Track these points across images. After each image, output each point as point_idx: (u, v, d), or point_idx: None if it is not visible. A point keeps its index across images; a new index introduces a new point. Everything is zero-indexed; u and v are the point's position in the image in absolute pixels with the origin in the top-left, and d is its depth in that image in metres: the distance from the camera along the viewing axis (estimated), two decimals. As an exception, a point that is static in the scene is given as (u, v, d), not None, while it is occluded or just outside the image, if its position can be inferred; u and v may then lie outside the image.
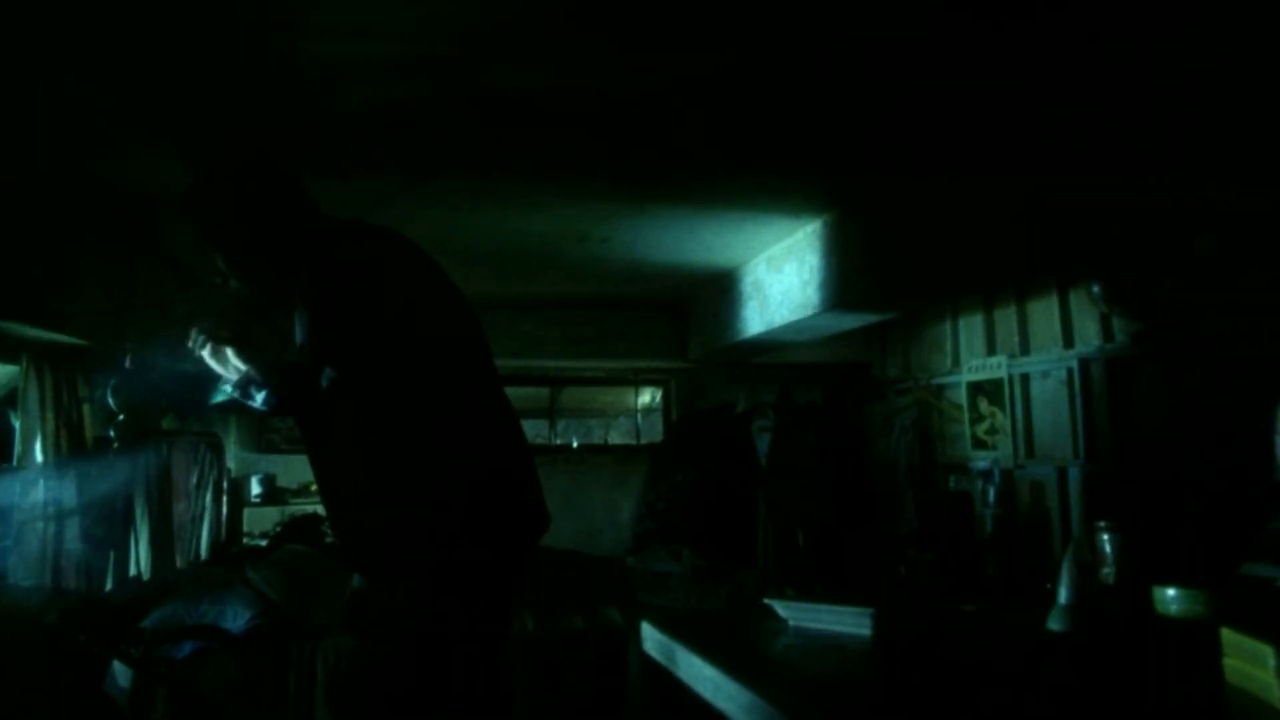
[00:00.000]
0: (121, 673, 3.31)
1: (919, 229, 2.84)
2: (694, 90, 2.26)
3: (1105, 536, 1.72)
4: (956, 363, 4.86)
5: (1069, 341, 4.01)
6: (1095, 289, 3.12)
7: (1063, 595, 1.70)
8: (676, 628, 1.86)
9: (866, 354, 5.81)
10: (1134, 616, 1.44)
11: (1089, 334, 3.89)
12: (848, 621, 1.78)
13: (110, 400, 3.57)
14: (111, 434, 3.57)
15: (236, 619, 3.50)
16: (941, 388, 5.01)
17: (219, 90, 2.24)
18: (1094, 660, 1.50)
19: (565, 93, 2.27)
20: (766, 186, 3.06)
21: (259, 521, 5.38)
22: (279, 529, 4.73)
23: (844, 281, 3.20)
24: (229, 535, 5.09)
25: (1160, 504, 2.75)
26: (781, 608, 1.92)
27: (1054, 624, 1.71)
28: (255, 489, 5.39)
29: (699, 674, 1.59)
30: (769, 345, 4.77)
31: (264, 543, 4.72)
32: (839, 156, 2.71)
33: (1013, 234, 2.49)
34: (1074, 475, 3.95)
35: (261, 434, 5.61)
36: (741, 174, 2.94)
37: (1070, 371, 3.96)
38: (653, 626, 1.94)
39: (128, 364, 3.42)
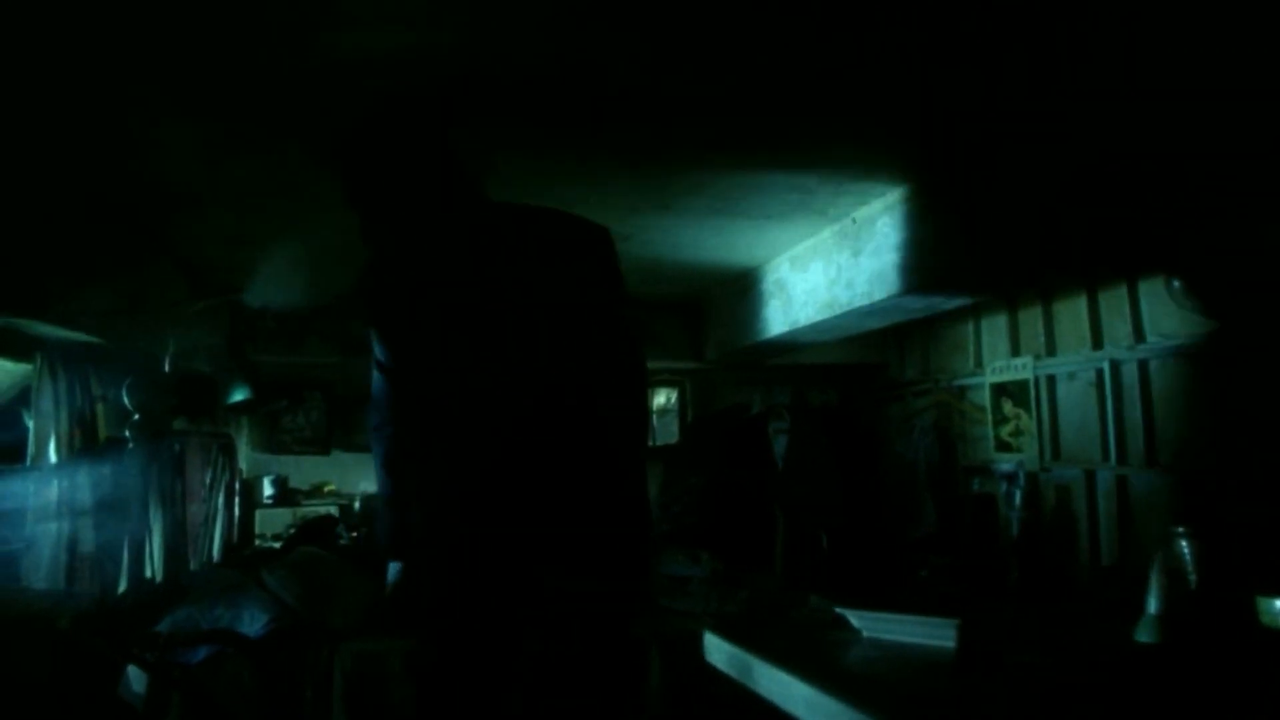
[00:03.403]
0: (136, 677, 3.25)
1: (1006, 202, 2.65)
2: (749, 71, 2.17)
3: (1184, 543, 1.64)
4: (979, 364, 4.79)
5: (1097, 343, 3.94)
6: (1175, 284, 3.03)
7: (1152, 605, 1.61)
8: (750, 640, 1.80)
9: (882, 355, 5.74)
10: (1234, 629, 1.37)
11: (1118, 335, 3.82)
12: (928, 633, 1.71)
13: (126, 399, 3.52)
14: (126, 434, 3.52)
15: (253, 623, 3.44)
16: (963, 389, 4.95)
17: (250, 81, 2.17)
18: (1195, 674, 1.43)
19: (586, 82, 2.19)
20: (830, 158, 2.87)
21: (271, 523, 5.32)
22: (292, 531, 4.67)
23: (921, 262, 3.02)
24: (241, 537, 5.03)
25: (1233, 509, 2.67)
26: (855, 617, 1.85)
27: (1144, 635, 1.63)
28: (268, 490, 5.33)
29: (789, 691, 1.51)
30: (790, 346, 4.71)
31: (277, 545, 4.66)
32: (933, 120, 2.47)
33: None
34: (1103, 478, 3.88)
35: (273, 434, 5.55)
36: (810, 146, 2.75)
37: (1100, 373, 3.89)
38: (720, 638, 1.87)
39: (144, 362, 3.37)
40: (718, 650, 1.86)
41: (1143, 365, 3.64)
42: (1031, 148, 2.46)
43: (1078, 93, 2.13)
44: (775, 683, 1.58)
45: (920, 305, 3.39)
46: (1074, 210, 2.33)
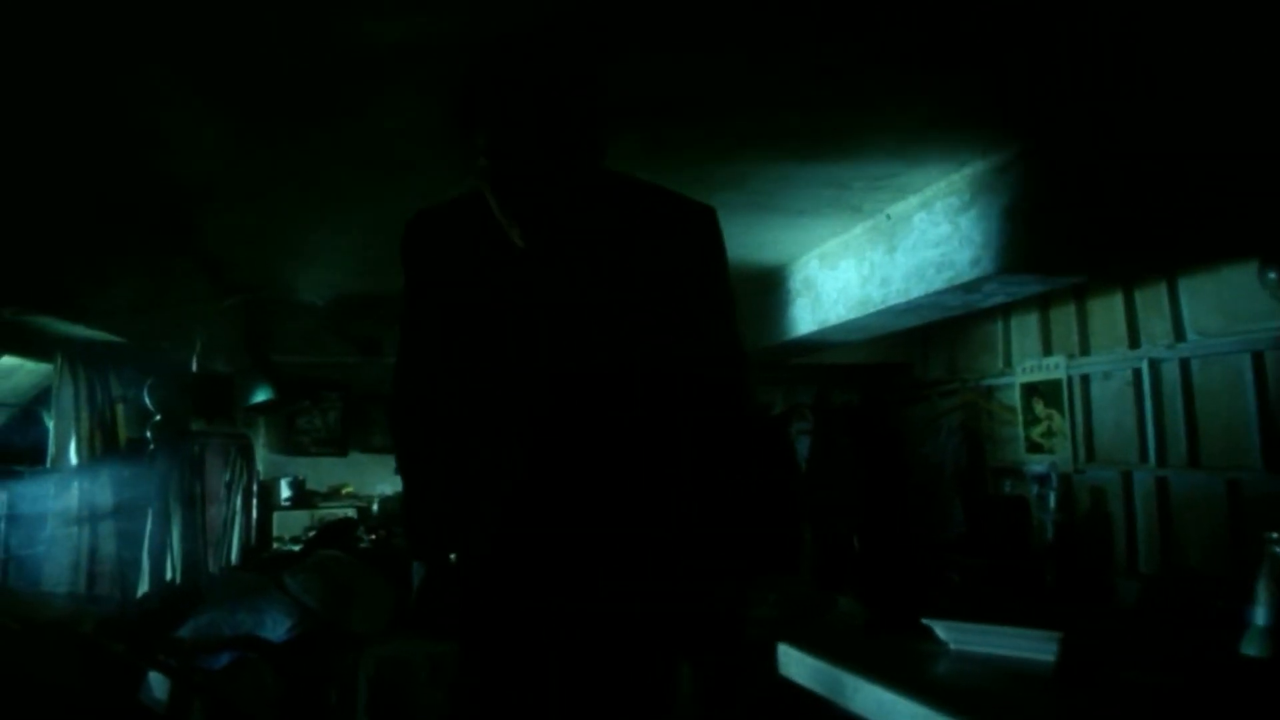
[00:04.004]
0: (158, 683, 3.20)
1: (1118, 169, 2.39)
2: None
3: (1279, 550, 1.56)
4: (1008, 363, 4.71)
5: (1134, 341, 3.86)
6: (1271, 275, 2.93)
7: (1260, 616, 1.52)
8: (836, 654, 1.71)
9: (906, 355, 5.66)
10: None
11: (1157, 333, 3.74)
12: (1026, 646, 1.62)
13: (147, 399, 3.47)
14: (148, 435, 3.46)
15: (276, 627, 3.39)
16: (991, 389, 4.86)
17: (271, 68, 2.11)
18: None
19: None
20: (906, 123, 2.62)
21: (289, 525, 5.26)
22: (312, 534, 4.60)
23: (1013, 241, 2.77)
24: (259, 540, 4.97)
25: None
26: (944, 629, 1.77)
27: (1251, 648, 1.54)
28: (285, 492, 5.26)
29: (896, 710, 1.44)
30: (817, 346, 4.63)
31: (296, 548, 4.59)
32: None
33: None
34: (1141, 479, 3.79)
35: (290, 435, 5.49)
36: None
37: (1137, 372, 3.81)
38: (802, 651, 1.79)
39: (164, 362, 3.31)
40: (799, 664, 1.76)
41: (1184, 364, 3.55)
42: (1135, 114, 2.29)
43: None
44: (875, 701, 1.49)
45: (958, 303, 3.31)
46: (1164, 191, 2.21)
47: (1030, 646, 1.62)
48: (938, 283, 3.10)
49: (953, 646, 1.74)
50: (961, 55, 2.10)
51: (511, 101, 1.39)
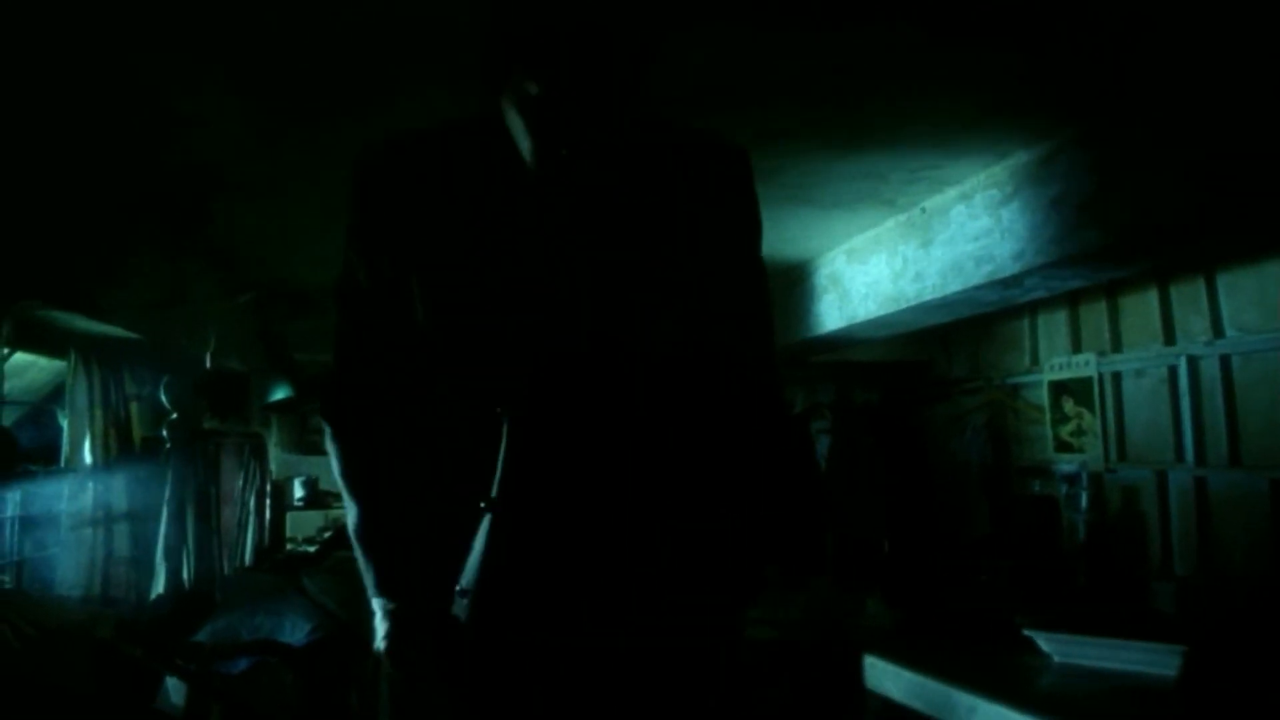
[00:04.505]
0: (174, 689, 3.12)
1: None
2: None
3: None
4: (1035, 361, 4.62)
5: (1169, 338, 3.77)
6: None
7: None
8: (935, 668, 1.61)
9: (927, 353, 5.57)
10: None
11: (1194, 330, 3.65)
12: (1143, 660, 1.51)
13: (163, 397, 3.39)
14: (164, 433, 3.38)
15: (295, 631, 3.30)
16: (1017, 387, 4.78)
17: (295, 46, 2.02)
18: None
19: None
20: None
21: (302, 526, 5.18)
22: (328, 535, 4.52)
23: (1060, 233, 2.64)
24: (272, 541, 4.89)
25: None
26: (1047, 640, 1.67)
27: None
28: (298, 492, 5.18)
29: None
30: (844, 342, 4.55)
31: (311, 549, 4.52)
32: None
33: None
34: (1178, 479, 3.71)
35: (303, 434, 5.41)
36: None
37: (1173, 369, 3.73)
38: (896, 664, 1.69)
39: (179, 359, 3.23)
40: (893, 678, 1.65)
41: (1225, 361, 3.46)
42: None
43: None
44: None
45: (995, 298, 3.24)
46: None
47: (1149, 660, 1.51)
48: (976, 277, 3.02)
49: (1057, 660, 1.64)
50: (1012, 35, 2.02)
51: (561, 39, 1.13)
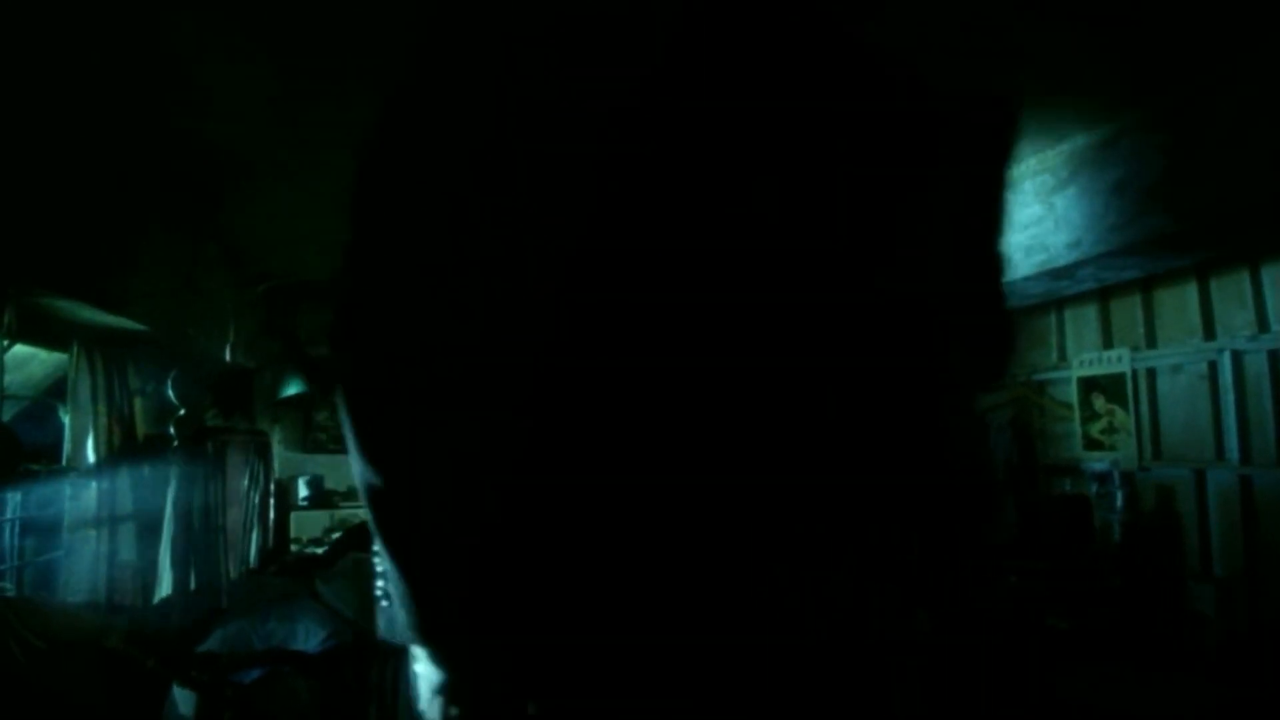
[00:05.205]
0: (183, 699, 2.97)
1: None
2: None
3: None
4: (1063, 357, 4.51)
5: (1209, 333, 3.66)
6: None
7: None
8: None
9: (945, 349, 5.46)
10: None
11: (1236, 324, 3.54)
12: None
13: (170, 392, 3.23)
14: (171, 431, 3.22)
15: (309, 638, 3.15)
16: (1043, 384, 4.67)
17: (324, 25, 1.89)
18: None
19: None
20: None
21: (307, 527, 5.02)
22: (337, 536, 4.37)
23: (1122, 220, 2.49)
24: (277, 542, 4.73)
25: None
26: None
27: None
28: (303, 491, 5.02)
29: None
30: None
31: (318, 550, 4.36)
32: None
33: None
34: (1218, 478, 3.60)
35: (307, 433, 5.24)
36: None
37: (1213, 365, 3.62)
38: None
39: (187, 353, 3.07)
40: None
41: (1273, 356, 3.36)
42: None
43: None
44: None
45: (1041, 290, 3.12)
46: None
47: None
48: (1025, 268, 2.90)
49: None
50: (1082, 5, 1.90)
51: None
